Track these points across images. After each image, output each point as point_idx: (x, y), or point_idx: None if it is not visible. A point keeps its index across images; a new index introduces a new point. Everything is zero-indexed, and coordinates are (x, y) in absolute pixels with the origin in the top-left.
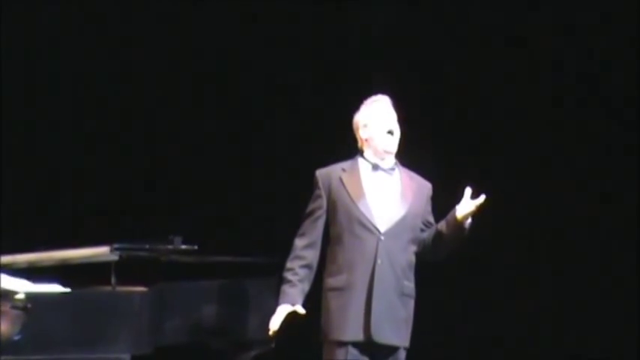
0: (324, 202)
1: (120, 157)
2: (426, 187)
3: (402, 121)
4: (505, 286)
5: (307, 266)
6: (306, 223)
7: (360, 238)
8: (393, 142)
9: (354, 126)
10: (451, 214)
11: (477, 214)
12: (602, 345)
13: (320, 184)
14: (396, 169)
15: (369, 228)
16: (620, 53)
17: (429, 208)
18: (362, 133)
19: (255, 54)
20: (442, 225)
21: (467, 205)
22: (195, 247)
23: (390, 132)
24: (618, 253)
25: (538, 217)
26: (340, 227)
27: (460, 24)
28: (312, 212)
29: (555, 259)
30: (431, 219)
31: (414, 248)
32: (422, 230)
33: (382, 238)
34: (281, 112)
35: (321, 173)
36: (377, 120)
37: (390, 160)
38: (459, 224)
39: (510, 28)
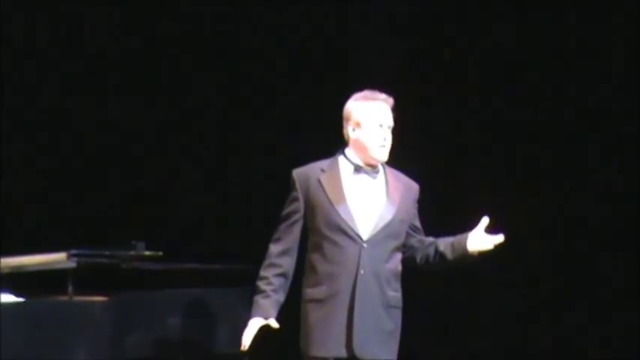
0: (301, 205)
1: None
2: (414, 188)
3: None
4: (503, 291)
5: (283, 275)
6: (282, 228)
7: (341, 246)
8: (384, 154)
9: (345, 114)
10: (459, 241)
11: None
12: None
13: (297, 185)
14: (381, 170)
15: (350, 235)
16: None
17: (416, 212)
18: (351, 130)
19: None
20: (445, 247)
21: (482, 240)
22: (160, 254)
23: (384, 145)
24: (618, 254)
25: (534, 218)
26: (319, 234)
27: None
28: (288, 216)
29: (554, 263)
30: (417, 223)
31: (399, 256)
32: (408, 235)
33: (365, 245)
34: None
35: (298, 173)
36: (373, 124)
37: None
38: (467, 256)
39: (512, 24)
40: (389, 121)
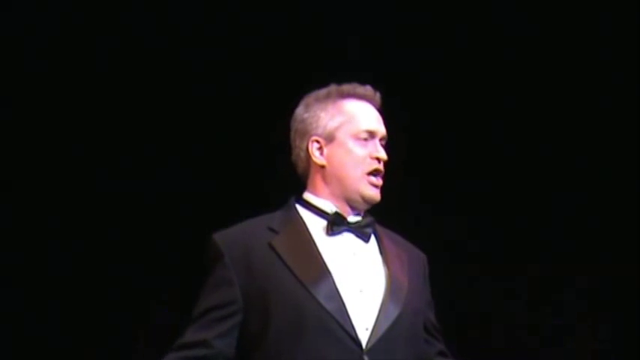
0: (236, 293)
1: None
2: (421, 260)
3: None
4: None
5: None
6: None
7: (324, 356)
8: (379, 182)
9: (300, 127)
10: None
11: None
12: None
13: (226, 258)
14: (370, 229)
15: (340, 338)
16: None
17: (430, 298)
18: (315, 151)
19: None
20: None
21: None
22: None
23: (379, 169)
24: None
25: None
26: (278, 338)
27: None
28: (210, 313)
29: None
30: (434, 319)
31: None
32: (426, 342)
33: (366, 358)
34: None
35: (225, 238)
36: (358, 133)
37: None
38: None
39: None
40: (382, 128)
